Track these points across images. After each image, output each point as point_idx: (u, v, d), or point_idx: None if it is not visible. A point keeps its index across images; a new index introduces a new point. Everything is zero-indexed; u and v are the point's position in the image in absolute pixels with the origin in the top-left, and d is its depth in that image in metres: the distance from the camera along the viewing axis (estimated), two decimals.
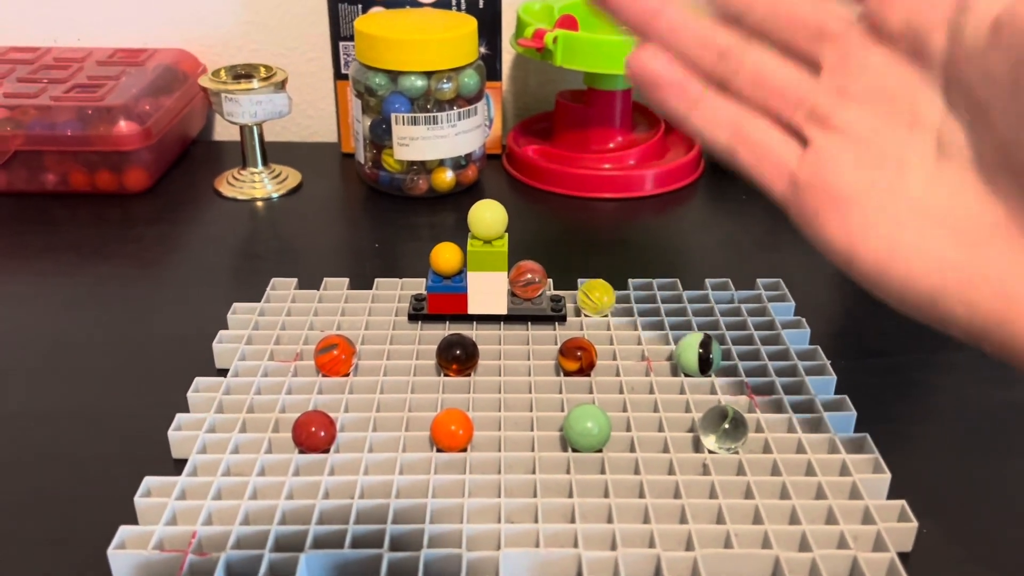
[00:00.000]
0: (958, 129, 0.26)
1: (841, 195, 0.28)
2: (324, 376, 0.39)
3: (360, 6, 0.62)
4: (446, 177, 0.60)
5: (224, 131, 0.73)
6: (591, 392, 0.39)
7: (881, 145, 0.28)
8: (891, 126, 0.28)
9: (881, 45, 0.28)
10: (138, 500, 0.32)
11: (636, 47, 0.31)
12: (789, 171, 0.29)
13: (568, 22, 0.61)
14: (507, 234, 0.43)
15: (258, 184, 0.61)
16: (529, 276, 0.44)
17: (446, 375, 0.40)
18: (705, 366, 0.39)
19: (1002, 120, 0.25)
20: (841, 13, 0.29)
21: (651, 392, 0.39)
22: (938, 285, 0.26)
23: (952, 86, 0.26)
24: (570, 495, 0.33)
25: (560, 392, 0.39)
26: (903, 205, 0.27)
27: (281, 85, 0.59)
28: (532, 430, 0.36)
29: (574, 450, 0.35)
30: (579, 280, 0.46)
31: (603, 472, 0.34)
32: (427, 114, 0.57)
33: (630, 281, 0.47)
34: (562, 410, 0.38)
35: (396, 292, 0.46)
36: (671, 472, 0.34)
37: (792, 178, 0.29)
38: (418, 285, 0.47)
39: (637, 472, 0.34)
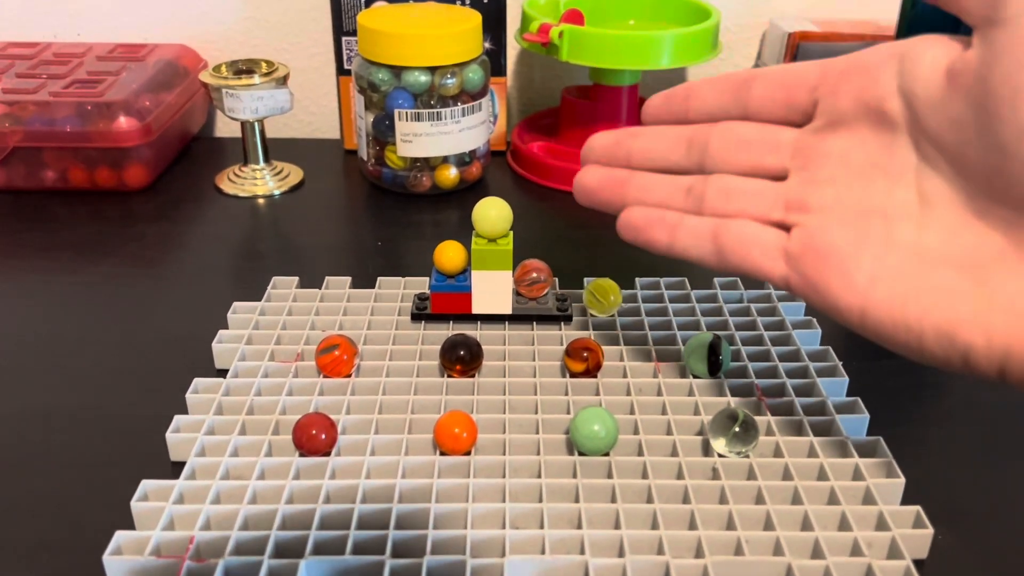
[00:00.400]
0: (936, 179, 0.28)
1: (837, 254, 0.29)
2: (325, 377, 0.39)
3: (363, 0, 0.62)
4: (450, 174, 0.59)
5: (225, 127, 0.72)
6: (598, 394, 0.38)
7: (861, 205, 0.29)
8: (868, 190, 0.29)
9: (837, 133, 0.30)
10: (135, 504, 0.32)
11: (622, 213, 0.35)
12: (781, 249, 0.31)
13: (574, 16, 0.60)
14: (512, 232, 0.42)
15: (259, 181, 0.61)
16: (534, 275, 0.43)
17: (450, 376, 0.39)
18: (714, 368, 0.38)
19: (979, 156, 0.26)
20: (785, 129, 0.32)
21: (659, 394, 0.38)
22: (954, 319, 0.26)
23: (922, 140, 0.28)
24: (576, 500, 0.33)
25: (566, 394, 0.38)
26: (901, 252, 0.28)
27: (283, 81, 0.59)
28: (537, 433, 0.36)
29: (580, 453, 0.34)
30: (585, 279, 0.46)
31: (610, 476, 0.34)
32: (431, 110, 0.56)
33: (637, 280, 0.47)
34: (568, 412, 0.37)
35: (399, 291, 0.46)
36: (680, 476, 0.34)
37: (785, 254, 0.31)
38: (421, 284, 0.46)
39: (645, 476, 0.34)
